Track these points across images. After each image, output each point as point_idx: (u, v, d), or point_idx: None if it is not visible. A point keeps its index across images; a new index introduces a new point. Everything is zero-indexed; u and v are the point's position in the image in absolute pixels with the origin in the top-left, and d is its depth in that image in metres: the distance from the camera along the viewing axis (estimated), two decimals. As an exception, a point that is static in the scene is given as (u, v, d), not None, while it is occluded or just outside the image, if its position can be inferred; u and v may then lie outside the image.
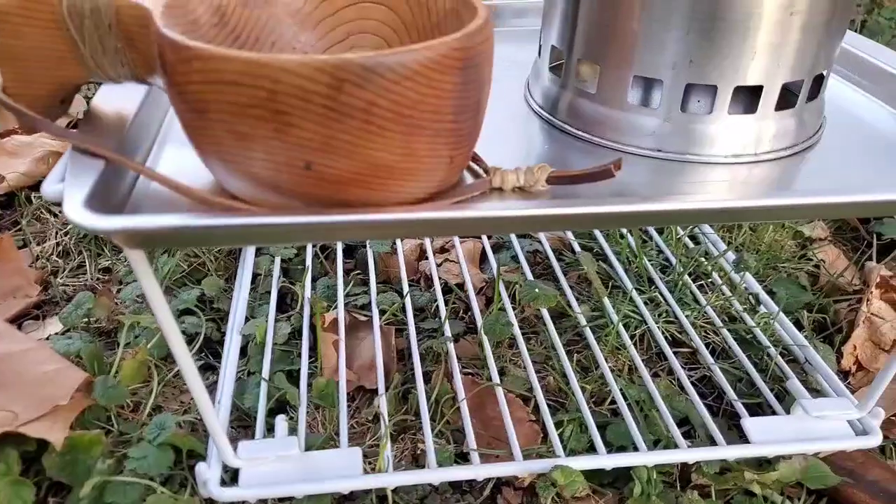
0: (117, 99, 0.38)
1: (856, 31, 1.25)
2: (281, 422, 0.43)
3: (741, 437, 0.45)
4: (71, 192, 0.29)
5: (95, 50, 0.34)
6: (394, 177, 0.30)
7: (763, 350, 0.52)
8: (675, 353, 0.53)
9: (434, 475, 0.41)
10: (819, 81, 0.39)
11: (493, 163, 0.35)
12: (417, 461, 0.44)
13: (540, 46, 0.44)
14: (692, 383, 0.51)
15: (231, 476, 0.41)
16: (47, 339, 0.52)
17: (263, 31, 0.38)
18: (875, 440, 0.44)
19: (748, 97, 0.39)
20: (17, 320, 0.55)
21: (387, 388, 0.48)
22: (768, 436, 0.44)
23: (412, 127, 0.29)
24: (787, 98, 0.38)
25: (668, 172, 0.37)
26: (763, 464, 0.44)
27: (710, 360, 0.51)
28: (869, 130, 0.42)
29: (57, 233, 0.64)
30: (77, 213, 0.27)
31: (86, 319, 0.53)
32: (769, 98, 0.37)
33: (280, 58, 0.26)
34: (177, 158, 0.36)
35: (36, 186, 0.68)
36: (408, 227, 0.31)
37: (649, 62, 0.36)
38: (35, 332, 0.54)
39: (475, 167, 0.36)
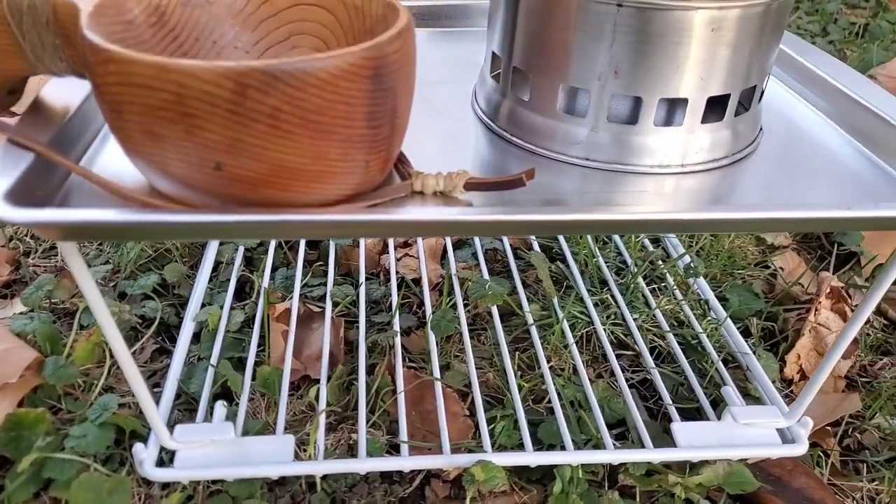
0: (64, 92, 0.39)
1: (858, 34, 1.24)
2: (220, 407, 0.45)
3: (673, 441, 0.46)
4: (-3, 185, 0.30)
5: (35, 45, 0.36)
6: (304, 179, 0.31)
7: (707, 356, 0.53)
8: (619, 355, 0.54)
9: (362, 465, 0.43)
10: (751, 93, 0.39)
11: (431, 167, 0.36)
12: (352, 450, 0.46)
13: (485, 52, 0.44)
14: (634, 385, 0.52)
15: (169, 457, 0.43)
16: (11, 317, 0.54)
17: (204, 31, 0.39)
18: (800, 449, 0.45)
19: (682, 108, 0.39)
20: (-12, 297, 0.57)
21: (329, 379, 0.49)
22: (695, 441, 0.45)
23: (320, 132, 0.30)
24: (716, 110, 0.38)
25: (596, 181, 0.38)
26: (690, 468, 0.45)
27: (651, 363, 0.52)
28: (806, 140, 0.43)
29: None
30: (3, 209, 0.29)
31: (47, 301, 0.55)
32: (695, 111, 0.37)
33: (187, 63, 0.27)
34: (116, 152, 0.38)
35: None
36: (302, 228, 0.32)
37: (577, 72, 0.37)
38: (2, 310, 0.56)
39: (403, 170, 0.37)
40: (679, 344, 0.54)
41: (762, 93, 0.41)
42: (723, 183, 0.39)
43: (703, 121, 0.38)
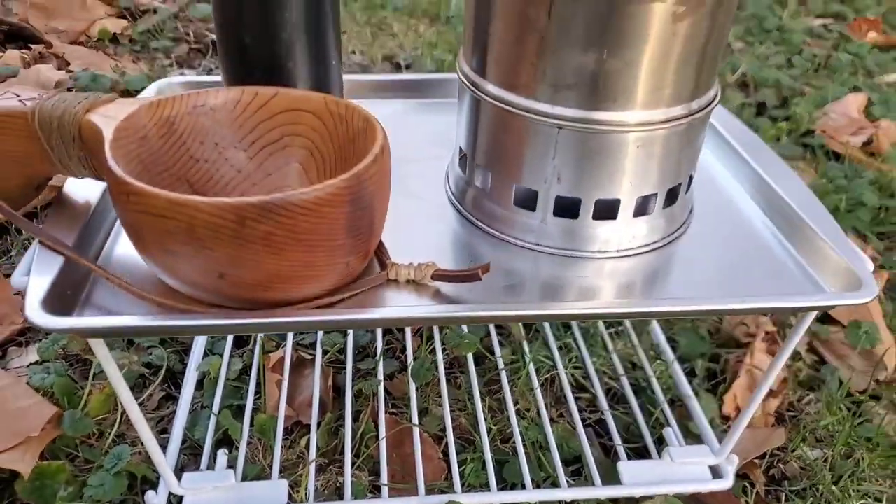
0: (83, 190, 0.45)
1: (818, 67, 1.31)
2: (221, 456, 0.51)
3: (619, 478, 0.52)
4: (32, 291, 0.36)
5: (62, 155, 0.41)
6: (293, 283, 0.37)
7: (656, 397, 0.59)
8: (578, 397, 0.60)
9: (347, 506, 0.49)
10: (677, 189, 0.46)
11: (407, 250, 0.42)
12: (339, 492, 0.52)
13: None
14: (591, 425, 0.59)
15: (178, 502, 0.49)
16: (28, 366, 0.60)
17: (208, 135, 0.45)
18: (727, 484, 0.51)
19: (617, 205, 0.45)
20: (3, 346, 0.63)
21: (319, 425, 0.56)
22: (638, 478, 0.52)
23: (308, 247, 0.36)
24: (648, 204, 0.45)
25: (546, 263, 0.44)
26: (635, 502, 0.52)
27: (605, 405, 0.58)
28: (729, 220, 0.49)
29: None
30: (34, 314, 0.34)
31: (62, 352, 0.61)
32: (627, 208, 0.43)
33: (195, 199, 0.33)
34: (130, 248, 0.43)
35: (27, 216, 0.75)
36: (293, 326, 0.38)
37: (527, 176, 0.43)
38: (18, 357, 0.62)
39: (382, 256, 0.43)
40: (632, 385, 0.61)
41: (689, 185, 0.47)
42: (653, 264, 0.45)
43: (635, 215, 0.44)
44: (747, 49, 1.36)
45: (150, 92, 0.58)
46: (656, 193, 0.44)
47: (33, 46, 0.99)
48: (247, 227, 0.34)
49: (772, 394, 0.61)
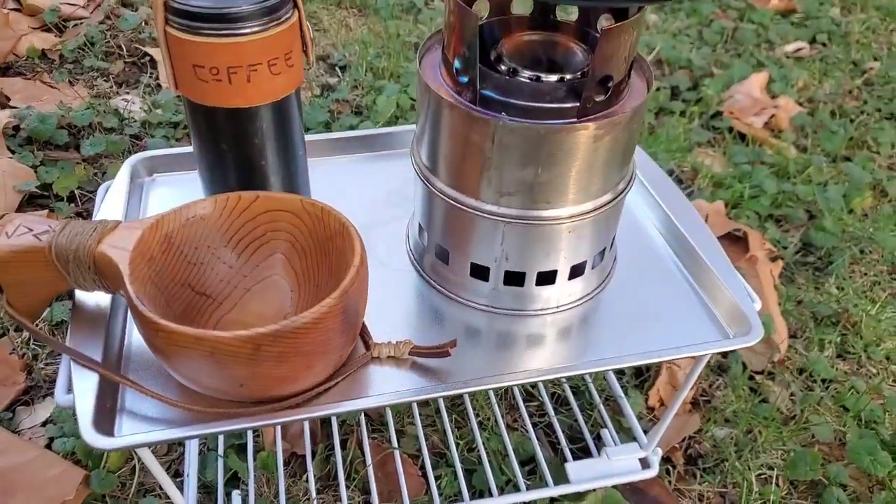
0: (93, 296, 0.51)
1: (727, 39, 1.41)
2: (235, 496, 0.59)
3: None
4: (82, 414, 0.43)
5: (78, 278, 0.47)
6: (298, 381, 0.45)
7: (592, 399, 0.71)
8: (528, 404, 0.71)
9: (348, 527, 0.59)
10: (604, 251, 0.55)
11: (380, 322, 0.50)
12: (337, 512, 0.62)
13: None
14: (543, 430, 0.70)
15: (201, 538, 0.58)
16: (43, 424, 0.66)
17: (202, 241, 0.51)
18: (653, 472, 0.63)
19: (554, 273, 0.54)
20: (11, 407, 0.68)
21: (313, 454, 0.65)
22: (582, 475, 0.63)
23: (310, 355, 0.44)
24: (580, 269, 0.54)
25: (498, 320, 0.54)
26: (580, 495, 0.63)
27: (551, 410, 0.69)
28: (648, 264, 0.59)
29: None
30: (90, 437, 0.41)
31: (72, 411, 0.67)
32: (562, 275, 0.53)
33: (216, 333, 0.41)
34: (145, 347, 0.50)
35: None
36: (297, 419, 0.46)
37: (479, 256, 0.52)
38: (28, 417, 0.67)
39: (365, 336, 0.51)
40: (572, 389, 0.72)
41: (613, 242, 0.57)
42: (586, 313, 0.55)
43: (570, 278, 0.53)
44: (661, 22, 1.45)
45: (124, 173, 0.63)
46: (586, 260, 0.53)
47: (-30, 85, 0.99)
48: (261, 351, 0.41)
49: (687, 384, 0.73)
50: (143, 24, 1.25)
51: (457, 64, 0.47)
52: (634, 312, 0.55)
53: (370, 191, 0.65)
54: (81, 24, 1.23)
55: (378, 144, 0.71)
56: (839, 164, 1.09)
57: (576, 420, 0.69)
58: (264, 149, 0.53)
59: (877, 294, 0.88)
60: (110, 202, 0.60)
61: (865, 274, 0.91)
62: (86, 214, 0.88)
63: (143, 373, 0.48)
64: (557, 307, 0.54)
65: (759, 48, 1.38)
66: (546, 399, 0.70)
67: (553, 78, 0.46)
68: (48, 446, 0.63)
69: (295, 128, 0.55)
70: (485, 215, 0.49)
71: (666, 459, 0.68)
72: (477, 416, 0.69)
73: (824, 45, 1.44)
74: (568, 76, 0.46)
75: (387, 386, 0.48)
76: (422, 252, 0.57)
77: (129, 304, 0.43)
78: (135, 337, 0.50)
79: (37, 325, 0.70)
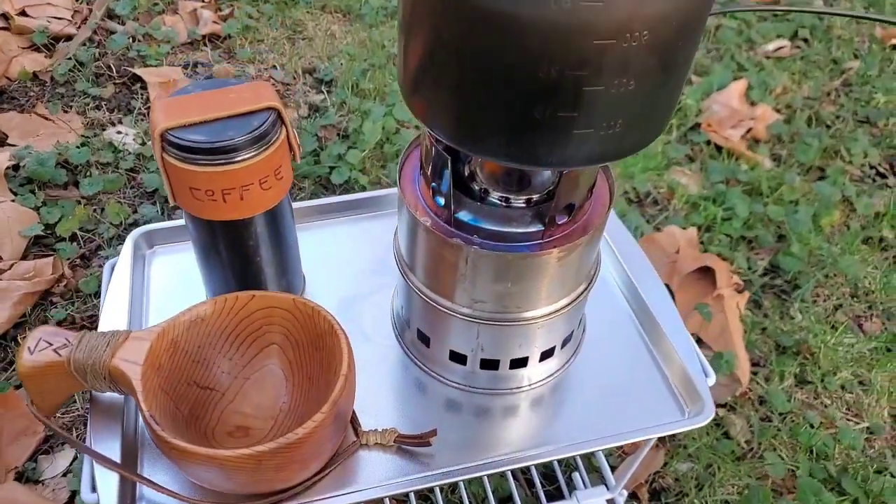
0: (109, 400, 0.56)
1: (710, 37, 1.43)
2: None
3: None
4: (107, 514, 0.48)
5: (94, 385, 0.52)
6: (296, 478, 0.51)
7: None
8: (508, 444, 0.77)
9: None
10: (571, 334, 0.60)
11: (364, 393, 0.55)
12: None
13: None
14: (521, 470, 0.76)
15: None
16: (64, 474, 0.72)
17: (204, 340, 0.56)
18: (620, 513, 0.71)
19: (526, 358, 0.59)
20: (34, 457, 0.75)
21: None
22: (556, 517, 0.70)
23: (305, 461, 0.49)
24: (550, 352, 0.59)
25: (474, 398, 0.59)
26: (555, 533, 0.70)
27: (530, 452, 0.76)
28: (617, 340, 0.64)
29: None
30: (117, 539, 0.47)
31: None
32: (533, 360, 0.58)
33: (224, 452, 0.46)
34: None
35: (19, 325, 0.84)
36: None
37: (457, 345, 0.57)
38: (49, 467, 0.74)
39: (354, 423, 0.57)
40: (549, 428, 0.78)
41: (580, 322, 0.62)
42: (556, 388, 0.60)
43: (541, 360, 0.59)
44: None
45: (128, 248, 0.67)
46: (556, 345, 0.58)
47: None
48: (262, 464, 0.47)
49: (654, 421, 0.79)
50: (130, 40, 1.26)
51: (433, 185, 0.51)
52: (600, 384, 0.60)
53: (357, 258, 0.69)
54: (71, 41, 1.24)
55: (364, 207, 0.75)
56: (811, 181, 1.13)
57: (552, 467, 0.75)
58: (258, 247, 0.58)
59: (839, 318, 0.94)
60: (117, 281, 0.65)
61: (829, 297, 0.97)
62: (89, 255, 0.92)
63: (157, 464, 0.54)
64: (530, 385, 0.60)
65: (741, 48, 1.40)
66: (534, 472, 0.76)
67: (521, 200, 0.50)
68: (70, 500, 0.69)
69: (286, 224, 0.59)
70: (461, 316, 0.54)
71: (632, 495, 0.74)
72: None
73: (806, 40, 1.46)
74: (535, 197, 0.51)
75: (374, 471, 0.54)
76: (403, 328, 0.62)
77: (143, 420, 0.48)
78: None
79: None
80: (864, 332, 0.93)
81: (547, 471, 0.75)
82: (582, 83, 0.37)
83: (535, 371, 0.59)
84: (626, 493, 0.71)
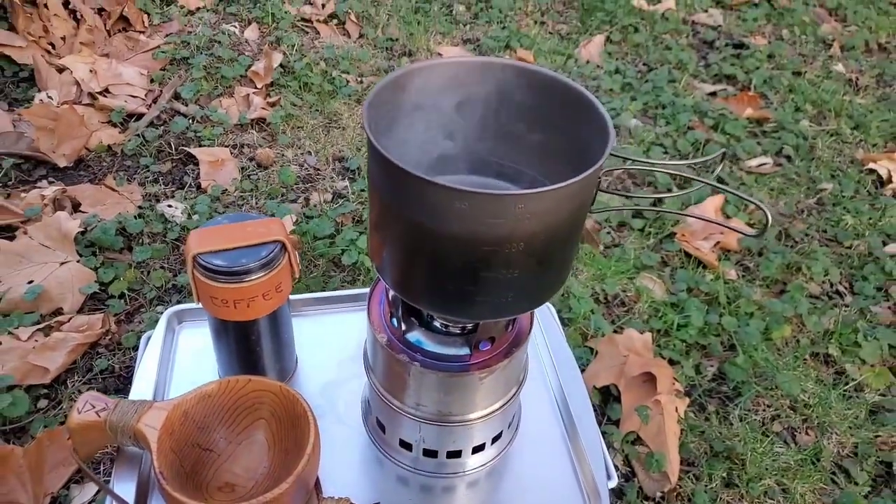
0: (131, 454, 0.72)
1: (700, 149, 1.57)
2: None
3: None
4: (122, 545, 0.64)
5: (122, 441, 0.69)
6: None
7: None
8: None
9: None
10: (501, 433, 0.74)
11: (330, 466, 0.70)
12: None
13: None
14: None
15: None
16: (90, 502, 0.88)
17: (208, 412, 0.71)
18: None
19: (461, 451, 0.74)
20: (68, 484, 0.91)
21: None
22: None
23: (273, 516, 0.64)
24: (481, 448, 0.73)
25: (420, 479, 0.73)
26: None
27: None
28: (541, 426, 0.78)
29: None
30: (127, 563, 0.63)
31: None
32: (466, 453, 0.72)
33: (213, 505, 0.62)
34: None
35: (71, 370, 1.01)
36: None
37: (406, 435, 0.72)
38: (79, 495, 0.90)
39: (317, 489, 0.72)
40: None
41: (510, 423, 0.76)
42: (487, 477, 0.74)
43: (472, 453, 0.73)
44: (640, 130, 1.62)
45: (162, 324, 0.84)
46: (485, 442, 0.73)
47: (46, 194, 1.22)
48: (241, 514, 0.62)
49: (586, 506, 0.92)
50: (190, 121, 1.47)
51: (391, 311, 0.67)
52: (525, 475, 0.74)
53: (343, 346, 0.85)
54: (141, 119, 1.46)
55: (354, 301, 0.91)
56: (772, 294, 1.25)
57: None
58: (259, 341, 0.74)
59: (774, 427, 1.06)
60: (150, 352, 0.82)
61: (769, 407, 1.09)
62: (133, 312, 1.10)
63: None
64: (464, 472, 0.74)
65: (725, 163, 1.54)
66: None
67: (457, 328, 0.66)
68: (94, 524, 0.86)
69: (283, 323, 0.76)
70: (408, 416, 0.69)
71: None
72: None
73: (789, 158, 1.59)
74: (468, 327, 0.66)
75: (330, 531, 0.69)
76: (367, 414, 0.77)
77: (154, 475, 0.65)
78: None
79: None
80: (797, 444, 1.04)
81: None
82: (479, 271, 0.53)
83: (470, 461, 0.73)
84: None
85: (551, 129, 0.61)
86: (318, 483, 0.71)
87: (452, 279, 0.54)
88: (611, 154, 0.57)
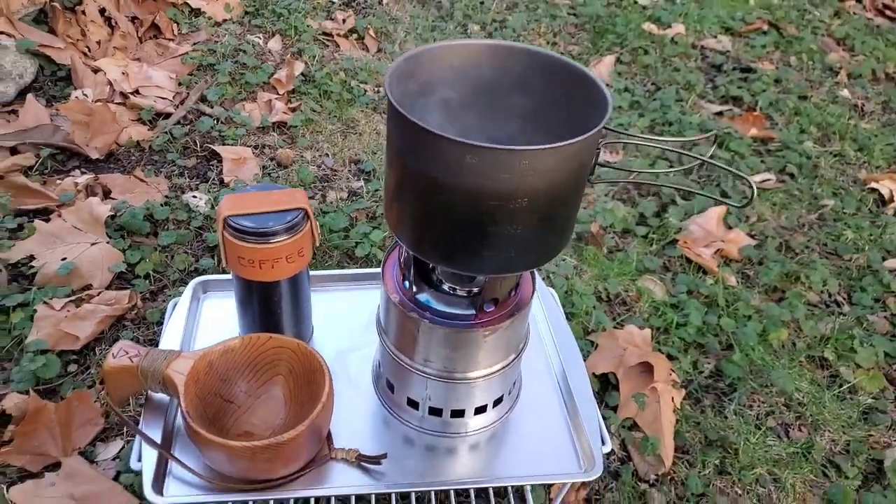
0: (158, 397, 0.77)
1: (703, 165, 1.62)
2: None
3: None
4: (146, 478, 0.69)
5: (151, 386, 0.74)
6: (281, 471, 0.70)
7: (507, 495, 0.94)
8: (458, 497, 0.95)
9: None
10: (503, 397, 0.79)
11: (342, 422, 0.75)
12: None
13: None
14: None
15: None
16: (114, 458, 0.93)
17: (231, 365, 0.77)
18: (538, 551, 0.87)
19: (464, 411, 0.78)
20: (94, 441, 0.96)
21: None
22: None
23: (288, 458, 0.69)
24: (483, 409, 0.78)
25: (425, 437, 0.78)
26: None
27: (473, 495, 0.93)
28: (544, 398, 0.82)
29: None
30: (150, 494, 0.68)
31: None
32: (469, 413, 0.77)
33: (231, 443, 0.66)
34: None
35: (99, 340, 1.07)
36: (271, 497, 0.71)
37: (413, 394, 0.76)
38: (104, 451, 0.95)
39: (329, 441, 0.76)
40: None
41: (511, 389, 0.80)
42: (490, 437, 0.79)
43: (475, 414, 0.78)
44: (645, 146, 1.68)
45: (188, 292, 0.90)
46: (487, 404, 0.77)
47: (79, 181, 1.29)
48: (256, 455, 0.67)
49: (583, 485, 0.96)
50: (214, 122, 1.54)
51: (404, 273, 0.72)
52: (524, 441, 0.79)
53: (355, 318, 0.90)
54: (169, 118, 1.53)
55: (367, 280, 0.96)
56: (765, 301, 1.30)
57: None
58: (280, 302, 0.80)
59: (768, 423, 1.09)
60: (177, 315, 0.88)
61: (763, 403, 1.12)
62: (157, 291, 1.16)
63: (185, 449, 0.74)
64: (467, 432, 0.79)
65: (728, 178, 1.59)
66: (472, 496, 0.94)
67: (464, 291, 0.71)
68: (116, 478, 0.90)
69: (303, 288, 0.81)
70: (417, 371, 0.74)
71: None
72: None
73: (792, 175, 1.65)
74: (474, 290, 0.71)
75: (338, 477, 0.73)
76: (378, 377, 0.82)
77: (181, 415, 0.70)
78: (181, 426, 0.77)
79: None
80: (790, 438, 1.08)
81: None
82: (486, 226, 0.58)
83: (472, 422, 0.78)
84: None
85: (556, 107, 0.67)
86: (329, 435, 0.76)
87: (462, 234, 0.59)
88: (610, 129, 0.63)
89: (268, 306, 0.80)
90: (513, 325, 0.72)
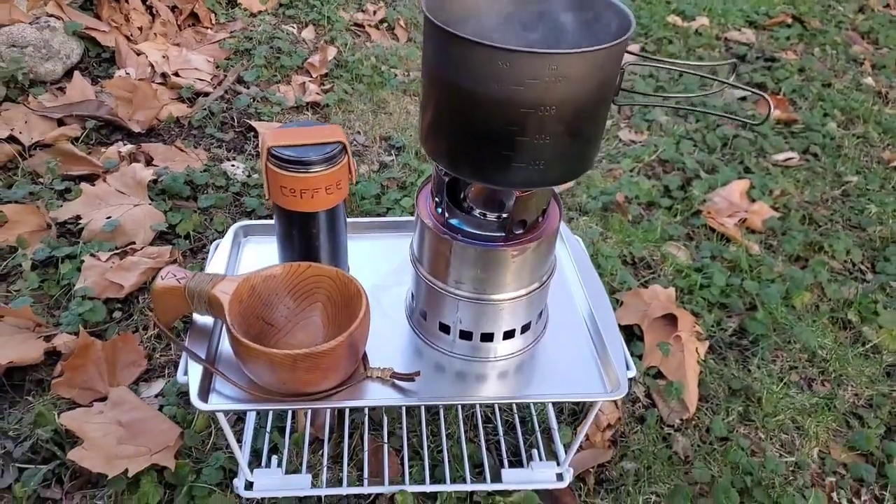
0: (203, 318, 0.82)
1: (727, 144, 1.64)
2: (273, 459, 0.89)
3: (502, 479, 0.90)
4: (192, 388, 0.73)
5: (197, 307, 0.78)
6: (319, 384, 0.74)
7: (533, 428, 0.97)
8: (486, 426, 0.98)
9: (344, 490, 0.87)
10: (529, 324, 0.82)
11: (378, 353, 0.79)
12: (340, 481, 0.90)
13: (408, 284, 0.87)
14: (494, 445, 0.96)
15: (251, 484, 0.87)
16: (156, 396, 0.98)
17: (273, 290, 0.81)
18: (564, 484, 0.89)
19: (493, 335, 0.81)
20: (137, 381, 1.01)
21: (329, 440, 0.94)
22: (511, 479, 0.89)
23: (327, 370, 0.73)
24: (512, 334, 0.81)
25: (456, 362, 0.81)
26: (509, 493, 0.89)
27: (501, 432, 0.96)
28: (569, 328, 0.85)
29: (154, 325, 1.09)
30: (196, 401, 0.72)
31: (174, 390, 0.99)
32: (498, 337, 0.80)
33: (273, 350, 0.70)
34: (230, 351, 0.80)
35: (142, 289, 1.12)
36: (307, 407, 0.75)
37: (444, 319, 0.80)
38: (147, 390, 1.00)
39: (364, 361, 0.80)
40: (520, 419, 0.98)
41: (540, 317, 0.83)
42: (518, 363, 0.82)
43: (504, 339, 0.81)
44: (670, 125, 1.70)
45: (230, 234, 0.94)
46: (515, 328, 0.80)
47: (122, 151, 1.36)
48: (297, 364, 0.71)
49: (608, 426, 0.98)
50: (251, 100, 1.61)
51: (436, 200, 0.76)
52: (551, 367, 0.81)
53: (389, 261, 0.94)
54: (208, 97, 1.60)
55: (401, 228, 1.00)
56: (788, 266, 1.31)
57: (517, 441, 0.95)
58: (318, 234, 0.84)
59: (792, 377, 1.10)
60: (219, 254, 0.92)
61: (786, 359, 1.14)
62: (196, 249, 1.21)
63: (228, 366, 0.78)
64: (496, 357, 0.82)
65: (751, 156, 1.61)
66: (499, 424, 0.97)
67: (493, 216, 0.74)
68: (160, 409, 0.95)
69: (340, 222, 0.85)
70: (447, 294, 0.77)
71: (581, 479, 0.93)
72: (447, 429, 0.96)
73: (815, 155, 1.66)
74: (503, 216, 0.74)
75: (374, 392, 0.77)
76: (412, 310, 0.85)
77: (225, 326, 0.74)
78: (224, 345, 0.81)
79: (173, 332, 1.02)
80: (812, 391, 1.09)
81: (515, 449, 0.95)
82: (514, 135, 0.62)
83: (501, 347, 0.81)
84: (572, 470, 0.90)
85: (584, 34, 0.70)
86: (365, 356, 0.80)
87: (492, 144, 0.63)
88: (638, 54, 0.66)
89: (307, 239, 0.84)
90: (539, 249, 0.75)
